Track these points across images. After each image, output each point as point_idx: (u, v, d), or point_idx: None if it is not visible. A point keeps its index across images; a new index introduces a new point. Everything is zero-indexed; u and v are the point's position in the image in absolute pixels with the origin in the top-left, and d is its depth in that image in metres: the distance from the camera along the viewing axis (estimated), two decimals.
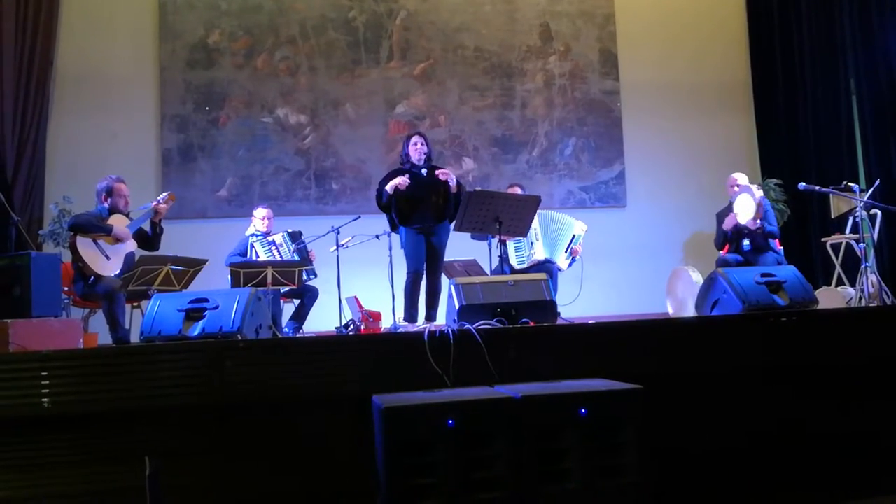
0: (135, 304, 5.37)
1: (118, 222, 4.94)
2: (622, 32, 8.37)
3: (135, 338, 4.44)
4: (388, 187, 5.10)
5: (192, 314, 3.20)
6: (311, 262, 6.01)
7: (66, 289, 5.20)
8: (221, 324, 3.14)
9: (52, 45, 7.27)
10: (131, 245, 4.97)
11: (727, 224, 5.81)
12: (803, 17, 8.06)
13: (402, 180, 5.08)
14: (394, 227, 5.36)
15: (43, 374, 2.68)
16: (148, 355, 2.83)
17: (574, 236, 5.83)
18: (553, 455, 2.50)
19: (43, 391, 2.67)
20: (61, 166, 7.28)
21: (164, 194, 5.17)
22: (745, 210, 5.71)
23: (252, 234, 6.10)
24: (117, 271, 4.83)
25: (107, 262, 4.81)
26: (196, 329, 3.15)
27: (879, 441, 3.19)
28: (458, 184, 5.24)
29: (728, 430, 3.10)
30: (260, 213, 6.20)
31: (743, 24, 8.59)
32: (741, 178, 6.02)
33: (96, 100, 7.44)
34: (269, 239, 6.02)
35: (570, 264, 5.87)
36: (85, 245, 4.76)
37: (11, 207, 6.02)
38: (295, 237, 6.06)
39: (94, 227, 4.81)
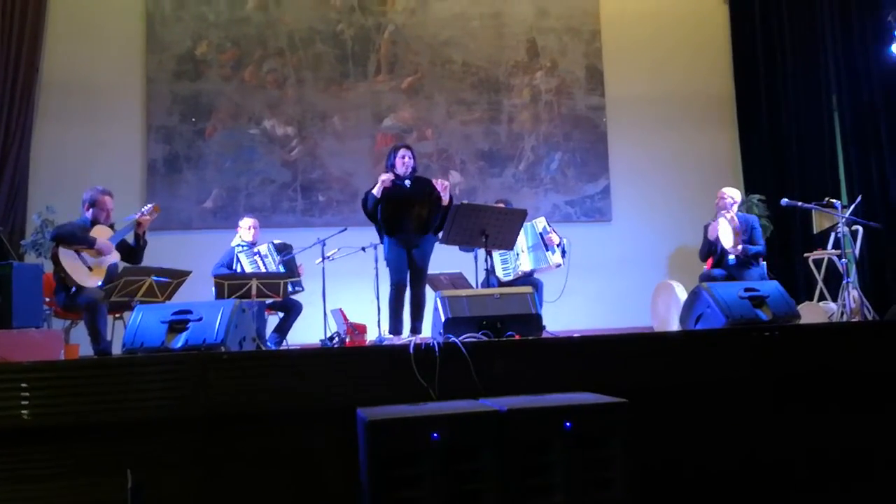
0: (117, 315, 5.31)
1: (101, 233, 4.91)
2: (608, 49, 8.45)
3: (117, 349, 4.39)
4: (376, 190, 5.10)
5: (176, 326, 3.18)
6: (298, 275, 5.99)
7: (47, 299, 5.15)
8: (205, 336, 3.12)
9: (38, 53, 7.25)
10: (114, 256, 4.94)
11: (711, 233, 5.86)
12: (786, 34, 8.17)
13: (385, 176, 5.10)
14: (383, 239, 5.35)
15: (23, 385, 2.65)
16: (130, 367, 2.80)
17: (539, 234, 5.81)
18: (538, 468, 2.49)
19: (23, 403, 2.64)
20: (45, 175, 7.23)
21: (149, 206, 5.15)
22: (725, 236, 5.78)
23: (238, 245, 6.07)
24: (99, 282, 4.79)
25: (89, 274, 4.78)
26: (179, 341, 3.13)
27: (861, 455, 3.21)
28: (451, 199, 5.25)
29: (712, 443, 3.11)
30: (246, 222, 6.17)
31: (727, 42, 8.70)
32: (730, 192, 6.05)
33: (82, 109, 7.41)
34: (255, 250, 5.98)
35: (563, 254, 5.81)
36: (67, 256, 4.72)
37: None
38: (282, 250, 6.03)
39: (77, 238, 4.77)
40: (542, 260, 5.77)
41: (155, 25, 7.68)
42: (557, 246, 5.79)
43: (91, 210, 4.96)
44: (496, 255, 5.73)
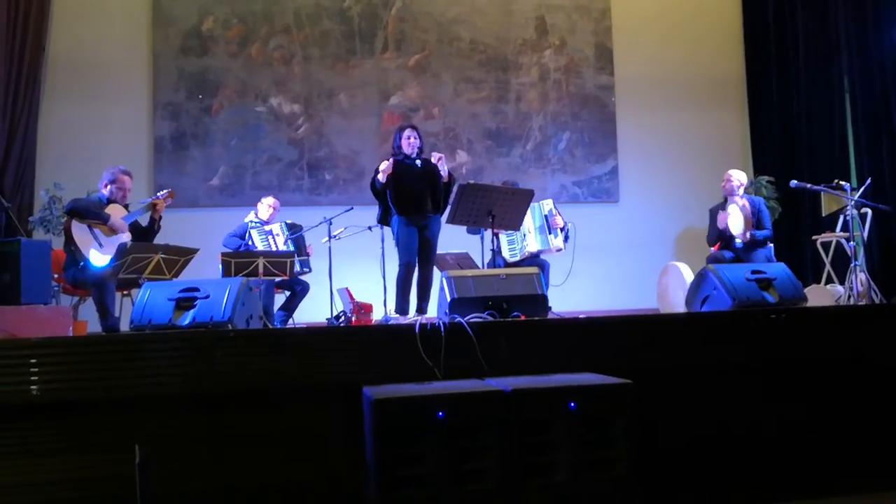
0: (125, 292, 5.35)
1: (116, 212, 4.93)
2: (618, 27, 8.37)
3: (125, 326, 4.42)
4: (381, 176, 5.09)
5: (183, 303, 3.19)
6: (307, 254, 6.00)
7: (56, 276, 5.18)
8: (212, 313, 3.13)
9: (45, 31, 7.22)
10: (125, 236, 4.95)
11: (720, 222, 5.83)
12: (798, 14, 8.07)
13: (385, 166, 5.08)
14: (382, 220, 5.34)
15: (32, 360, 2.67)
16: (138, 344, 2.82)
17: (545, 216, 5.81)
18: (542, 448, 2.51)
19: (32, 378, 2.66)
20: (52, 153, 7.23)
21: (164, 191, 5.18)
22: (735, 223, 5.75)
23: (251, 222, 6.08)
24: (109, 261, 4.80)
25: (99, 249, 4.79)
26: (186, 318, 3.14)
27: (867, 438, 3.22)
28: (450, 174, 5.23)
29: (716, 424, 3.12)
30: (268, 200, 6.21)
31: (738, 21, 8.61)
32: (737, 174, 6.02)
33: (89, 86, 7.40)
34: (267, 229, 6.00)
35: (565, 239, 5.83)
36: (80, 230, 4.73)
37: (2, 193, 6.00)
38: (293, 229, 6.05)
39: (91, 213, 4.79)
40: (544, 242, 5.78)
41: (161, 1, 7.63)
42: (561, 230, 5.79)
43: (109, 188, 4.97)
44: (503, 235, 5.72)
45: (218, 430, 2.79)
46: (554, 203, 5.97)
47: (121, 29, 7.57)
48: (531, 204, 5.73)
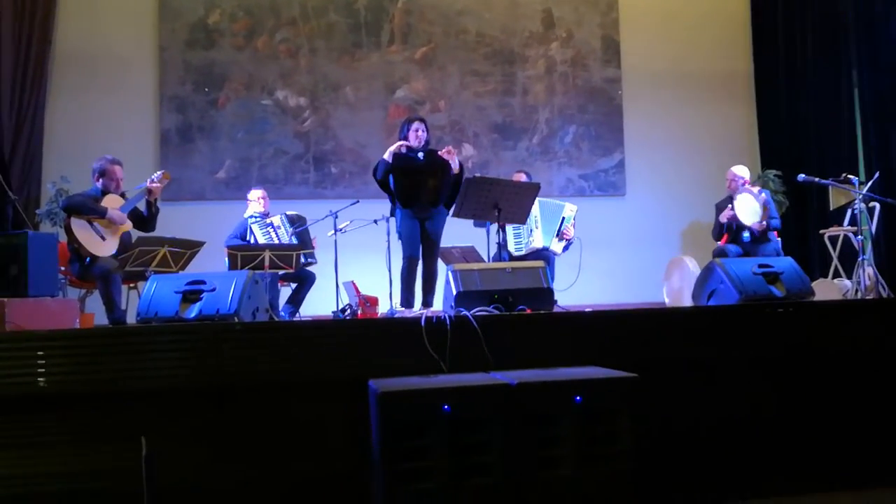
0: (131, 284, 5.36)
1: (112, 202, 4.92)
2: (625, 20, 8.32)
3: (131, 319, 4.43)
4: (387, 154, 5.08)
5: (189, 296, 3.20)
6: (311, 247, 6.00)
7: (63, 269, 5.19)
8: (218, 306, 3.14)
9: (51, 25, 7.23)
10: (127, 226, 4.96)
11: (723, 217, 5.79)
12: (806, 7, 8.01)
13: (400, 144, 5.09)
14: (393, 213, 5.34)
15: (39, 353, 2.68)
16: (144, 336, 2.83)
17: (563, 218, 5.82)
18: (547, 441, 2.50)
19: (39, 371, 2.67)
20: (59, 146, 7.25)
21: (158, 173, 5.14)
22: (749, 212, 5.68)
23: (251, 217, 6.08)
24: (113, 251, 4.82)
25: (102, 243, 4.81)
26: (193, 311, 3.15)
27: (873, 432, 3.21)
28: (461, 165, 5.22)
29: (722, 418, 3.12)
30: (255, 194, 6.18)
31: (746, 15, 8.55)
32: (740, 171, 5.99)
33: (95, 79, 7.41)
34: (268, 221, 5.99)
35: (564, 248, 5.87)
36: (80, 226, 4.75)
37: (9, 186, 6.00)
38: (295, 221, 6.05)
39: (87, 208, 4.79)
40: (549, 242, 5.80)
41: None
42: (567, 240, 5.82)
43: (101, 180, 4.97)
44: (509, 229, 5.72)
45: (224, 422, 2.80)
46: (575, 213, 5.93)
47: (127, 22, 7.57)
48: (555, 202, 5.75)
